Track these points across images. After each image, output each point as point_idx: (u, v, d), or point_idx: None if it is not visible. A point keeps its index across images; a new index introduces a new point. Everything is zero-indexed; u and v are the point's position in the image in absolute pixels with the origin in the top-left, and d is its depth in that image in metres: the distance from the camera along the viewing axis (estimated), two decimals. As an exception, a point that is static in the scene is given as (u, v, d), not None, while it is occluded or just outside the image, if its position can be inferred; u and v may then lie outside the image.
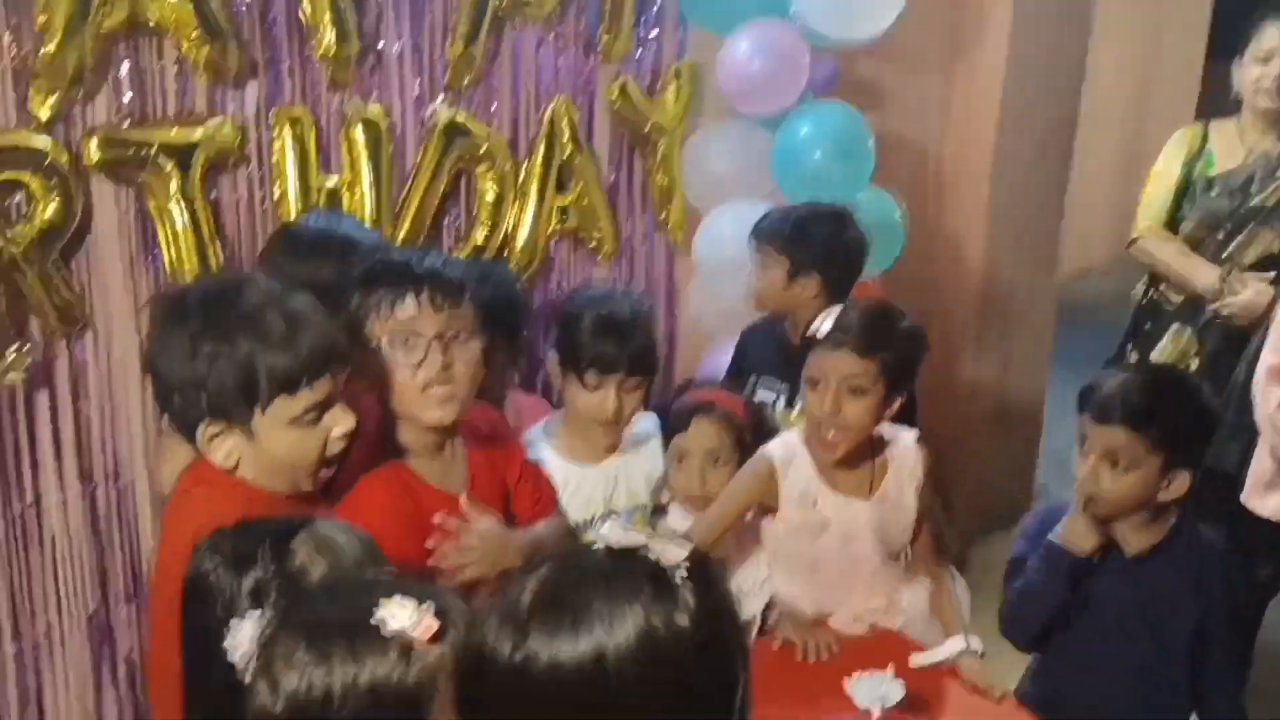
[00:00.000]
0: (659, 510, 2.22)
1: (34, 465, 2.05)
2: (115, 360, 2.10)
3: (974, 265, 3.62)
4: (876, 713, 1.75)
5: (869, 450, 2.01)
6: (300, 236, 2.03)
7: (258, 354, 1.45)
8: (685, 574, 0.89)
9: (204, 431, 1.48)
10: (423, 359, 1.67)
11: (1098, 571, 1.91)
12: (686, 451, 2.14)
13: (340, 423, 1.52)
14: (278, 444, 1.49)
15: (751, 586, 2.13)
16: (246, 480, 1.51)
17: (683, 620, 0.87)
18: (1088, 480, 1.85)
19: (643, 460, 2.18)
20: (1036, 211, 3.71)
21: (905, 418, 2.12)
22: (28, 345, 1.97)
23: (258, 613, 1.17)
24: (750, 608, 2.13)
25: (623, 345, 2.04)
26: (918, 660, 1.95)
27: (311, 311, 1.51)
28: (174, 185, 2.07)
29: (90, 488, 2.12)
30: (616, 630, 0.85)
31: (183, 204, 2.09)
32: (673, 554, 0.92)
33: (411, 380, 1.68)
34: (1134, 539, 1.90)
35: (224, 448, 1.49)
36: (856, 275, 2.45)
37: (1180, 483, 1.85)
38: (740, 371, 2.59)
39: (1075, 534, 1.88)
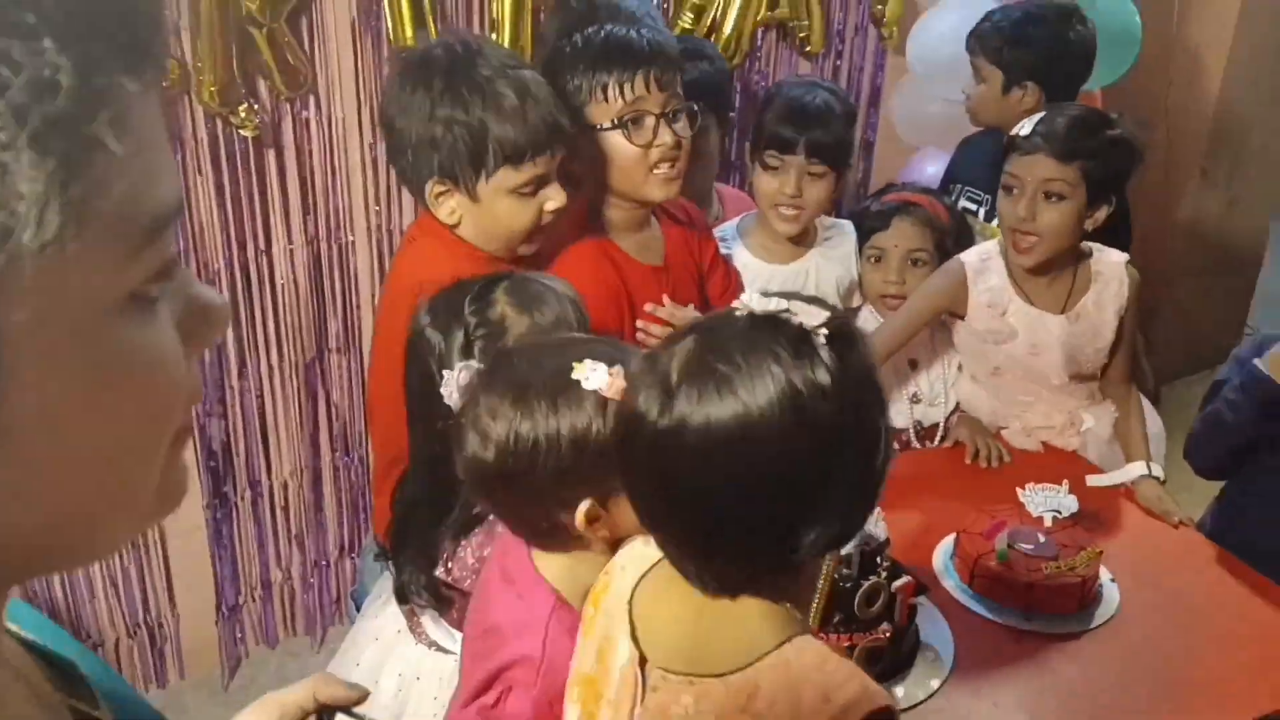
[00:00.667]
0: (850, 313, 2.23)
1: (265, 215, 2.20)
2: (338, 121, 2.20)
3: (1210, 89, 3.36)
4: (1048, 522, 1.77)
5: (1071, 264, 1.96)
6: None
7: (490, 123, 1.53)
8: (826, 336, 0.90)
9: (431, 189, 1.58)
10: (652, 139, 1.71)
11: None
12: (884, 250, 2.12)
13: (554, 198, 1.60)
14: (497, 209, 1.58)
15: (940, 389, 2.15)
16: (465, 238, 1.61)
17: (824, 378, 0.88)
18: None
19: (833, 263, 2.17)
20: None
21: (1117, 240, 2.04)
22: (257, 104, 2.08)
23: (466, 363, 1.28)
24: (936, 412, 2.16)
25: (804, 127, 2.02)
26: (1094, 481, 1.95)
27: (539, 86, 1.56)
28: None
29: (314, 240, 2.26)
30: (759, 391, 0.87)
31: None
32: (814, 316, 0.92)
33: (642, 159, 1.71)
34: None
35: (448, 205, 1.59)
36: (1080, 83, 2.31)
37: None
38: (951, 181, 2.52)
39: None
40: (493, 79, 1.54)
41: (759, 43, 2.66)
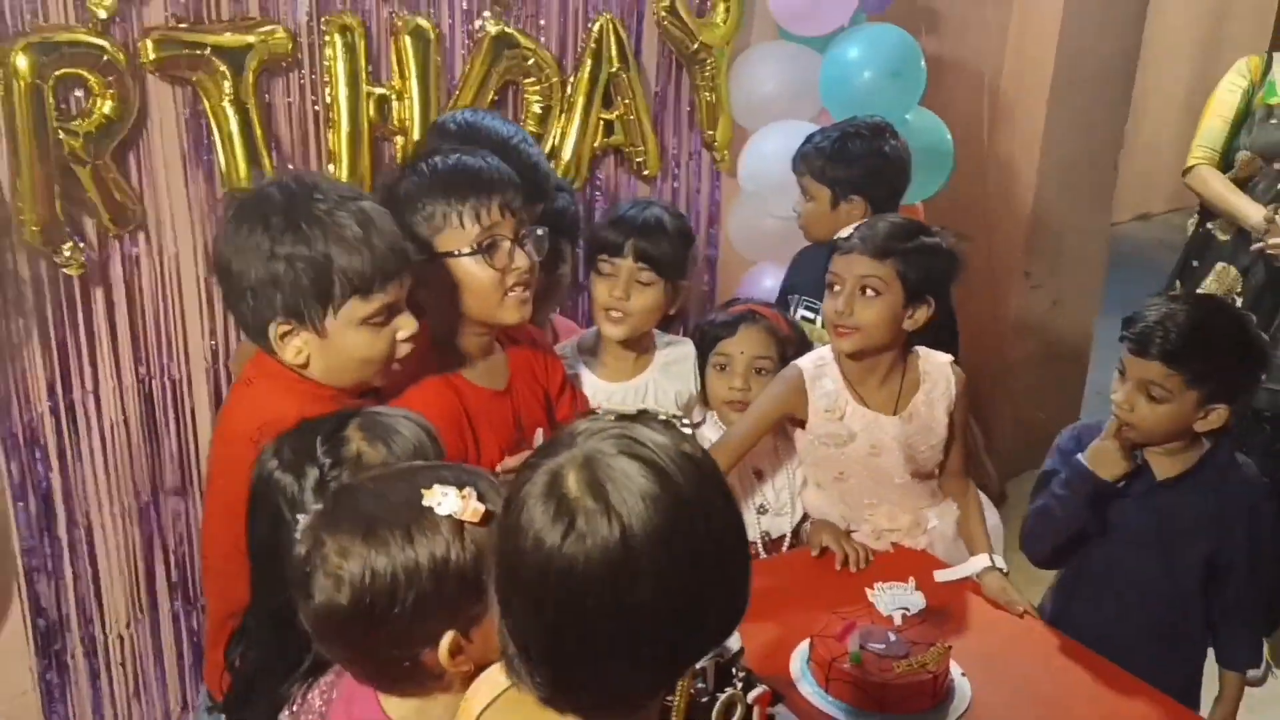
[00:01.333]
0: (692, 429, 2.26)
1: (91, 356, 2.12)
2: (169, 258, 2.15)
3: (1025, 197, 3.58)
4: (898, 620, 1.79)
5: (899, 366, 2.04)
6: (447, 129, 2.10)
7: (335, 255, 1.50)
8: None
9: (275, 330, 1.53)
10: (509, 263, 1.73)
11: (1121, 494, 1.91)
12: (730, 356, 2.17)
13: (405, 325, 1.58)
14: (347, 343, 1.55)
15: (786, 498, 2.18)
16: (311, 376, 1.57)
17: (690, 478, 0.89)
18: (1122, 408, 1.85)
19: (673, 379, 2.22)
20: (1094, 145, 3.66)
21: (941, 344, 2.14)
22: (83, 242, 2.03)
23: (319, 506, 1.22)
24: (783, 522, 2.18)
25: (632, 232, 2.10)
26: (941, 576, 1.99)
27: (380, 215, 1.55)
28: (227, 87, 2.11)
29: (146, 379, 2.19)
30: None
31: (236, 106, 2.13)
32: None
33: (498, 283, 1.73)
34: (1163, 465, 1.90)
35: (294, 345, 1.54)
36: (901, 192, 2.45)
37: (1218, 415, 1.83)
38: (788, 292, 2.60)
39: (1104, 459, 1.88)
40: (332, 211, 1.52)
41: (598, 168, 2.73)
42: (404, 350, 1.60)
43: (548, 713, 0.95)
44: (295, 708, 1.38)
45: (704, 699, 1.50)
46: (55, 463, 2.15)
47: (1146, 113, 6.46)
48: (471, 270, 1.72)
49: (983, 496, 2.18)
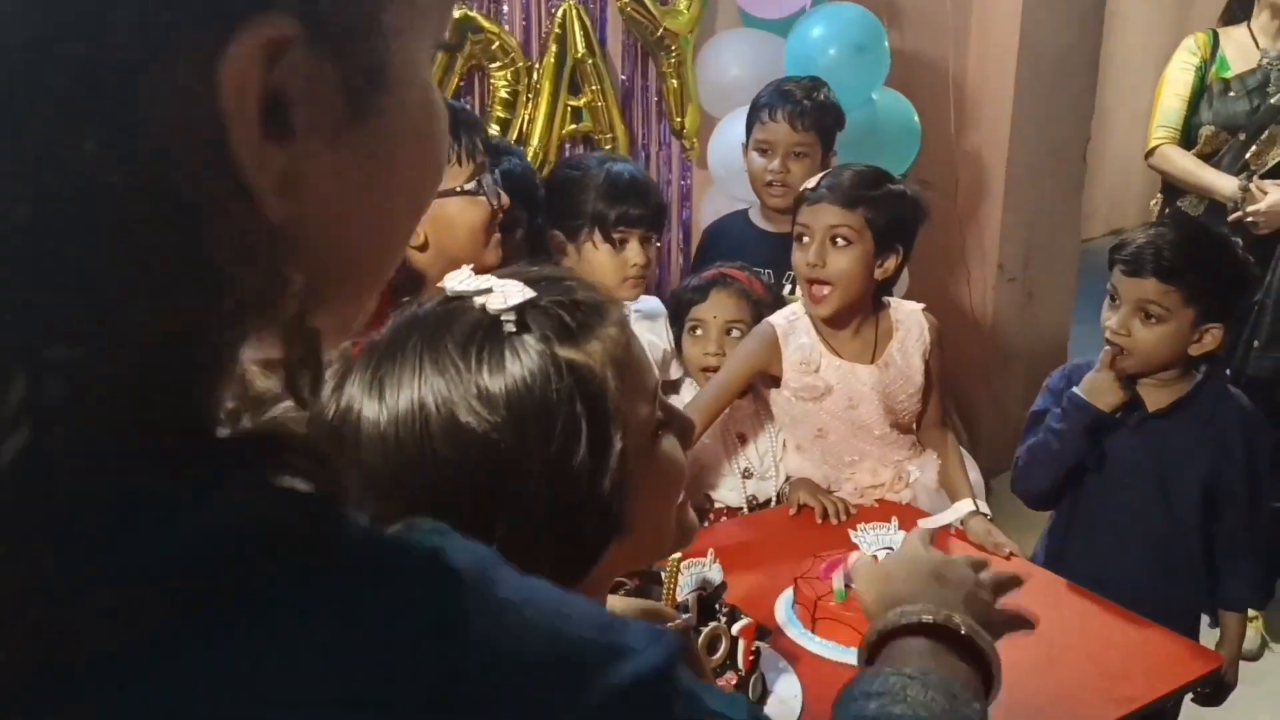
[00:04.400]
0: (672, 386, 2.23)
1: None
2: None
3: (995, 190, 3.59)
4: (882, 559, 1.74)
5: (871, 316, 2.02)
6: None
7: None
8: (515, 324, 0.77)
9: None
10: (497, 202, 1.74)
11: (1115, 429, 1.89)
12: (704, 321, 2.15)
13: None
14: None
15: (770, 462, 2.15)
16: None
17: (488, 382, 0.75)
18: (1119, 334, 1.84)
19: (644, 333, 2.17)
20: (1061, 137, 3.67)
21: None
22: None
23: None
24: (768, 486, 2.15)
25: (646, 199, 2.11)
26: (925, 524, 1.94)
27: None
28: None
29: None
30: (402, 396, 0.76)
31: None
32: (514, 295, 0.78)
33: (485, 222, 1.73)
34: (1156, 396, 1.88)
35: None
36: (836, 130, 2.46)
37: (1213, 336, 1.82)
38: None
39: (1099, 389, 1.86)
40: None
41: (567, 154, 2.72)
42: None
43: None
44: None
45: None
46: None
47: (1114, 127, 6.54)
48: (464, 209, 1.71)
49: (963, 451, 2.15)
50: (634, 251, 2.06)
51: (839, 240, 1.94)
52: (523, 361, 0.77)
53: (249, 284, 0.36)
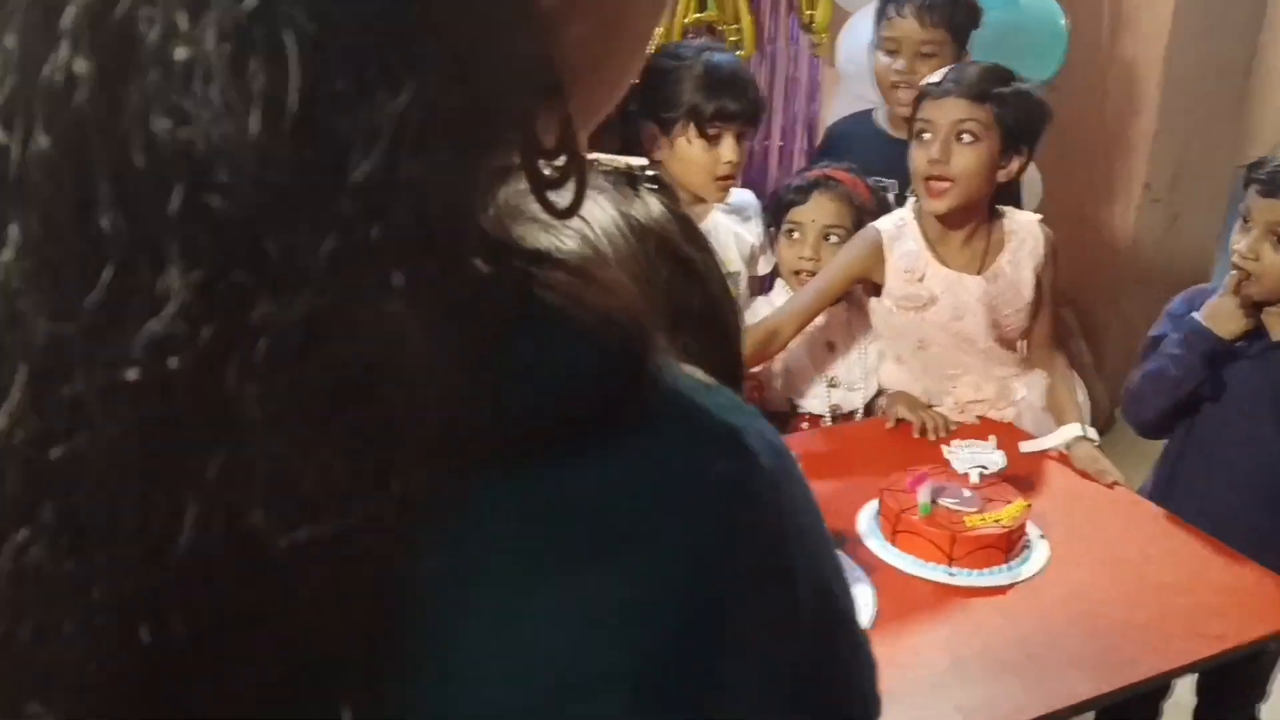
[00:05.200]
0: (764, 286, 2.19)
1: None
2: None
3: (1148, 105, 3.38)
4: (974, 479, 1.70)
5: (984, 225, 1.93)
6: None
7: None
8: (652, 181, 0.83)
9: None
10: None
11: (1235, 358, 1.79)
12: (801, 224, 2.08)
13: None
14: None
15: (859, 373, 2.10)
16: None
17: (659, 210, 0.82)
18: (1247, 258, 1.73)
19: (734, 226, 2.12)
20: (1224, 52, 3.42)
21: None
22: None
23: None
24: (855, 397, 2.11)
25: (741, 93, 1.99)
26: (1027, 446, 1.89)
27: None
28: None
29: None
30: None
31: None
32: (634, 161, 0.85)
33: None
34: None
35: None
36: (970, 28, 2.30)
37: None
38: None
39: (1222, 315, 1.77)
40: None
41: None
42: None
43: None
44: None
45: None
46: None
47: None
48: None
49: (1073, 374, 2.06)
50: (728, 148, 1.96)
51: (965, 136, 1.84)
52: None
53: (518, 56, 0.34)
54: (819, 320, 2.08)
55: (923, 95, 1.89)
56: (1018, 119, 1.84)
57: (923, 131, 1.87)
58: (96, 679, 0.30)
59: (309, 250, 0.29)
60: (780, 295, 2.12)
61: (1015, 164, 1.86)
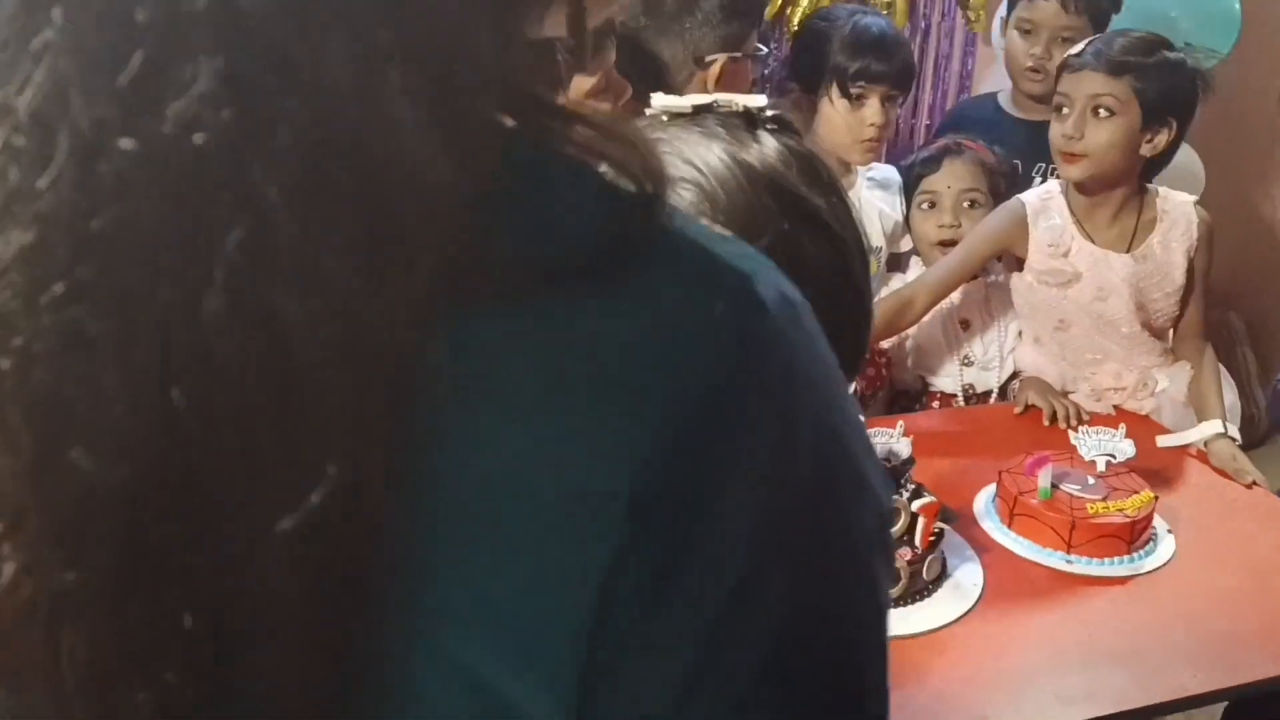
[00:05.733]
0: (898, 264, 2.14)
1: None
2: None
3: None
4: (1101, 467, 1.63)
5: (1135, 202, 1.85)
6: None
7: None
8: (773, 120, 0.81)
9: None
10: None
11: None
12: (938, 193, 2.03)
13: None
14: None
15: (995, 353, 2.04)
16: None
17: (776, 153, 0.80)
18: None
19: (878, 202, 2.07)
20: None
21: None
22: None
23: None
24: (990, 377, 2.05)
25: (887, 56, 1.96)
26: (1165, 441, 1.80)
27: None
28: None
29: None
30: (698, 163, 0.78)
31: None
32: (755, 101, 0.83)
33: None
34: None
35: None
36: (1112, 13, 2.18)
37: None
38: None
39: None
40: None
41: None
42: None
43: None
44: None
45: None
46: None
47: None
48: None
49: (1222, 370, 1.96)
50: (872, 110, 1.93)
51: (1101, 111, 1.76)
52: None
53: None
54: (955, 297, 2.02)
55: (1063, 67, 1.82)
56: (1162, 91, 1.75)
57: (1061, 105, 1.81)
58: (132, 434, 0.32)
59: (325, 48, 0.32)
60: (915, 267, 2.08)
61: (1162, 138, 1.78)
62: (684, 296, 0.37)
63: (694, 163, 0.78)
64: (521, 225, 0.36)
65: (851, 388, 1.90)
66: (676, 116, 0.85)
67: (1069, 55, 1.83)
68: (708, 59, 1.58)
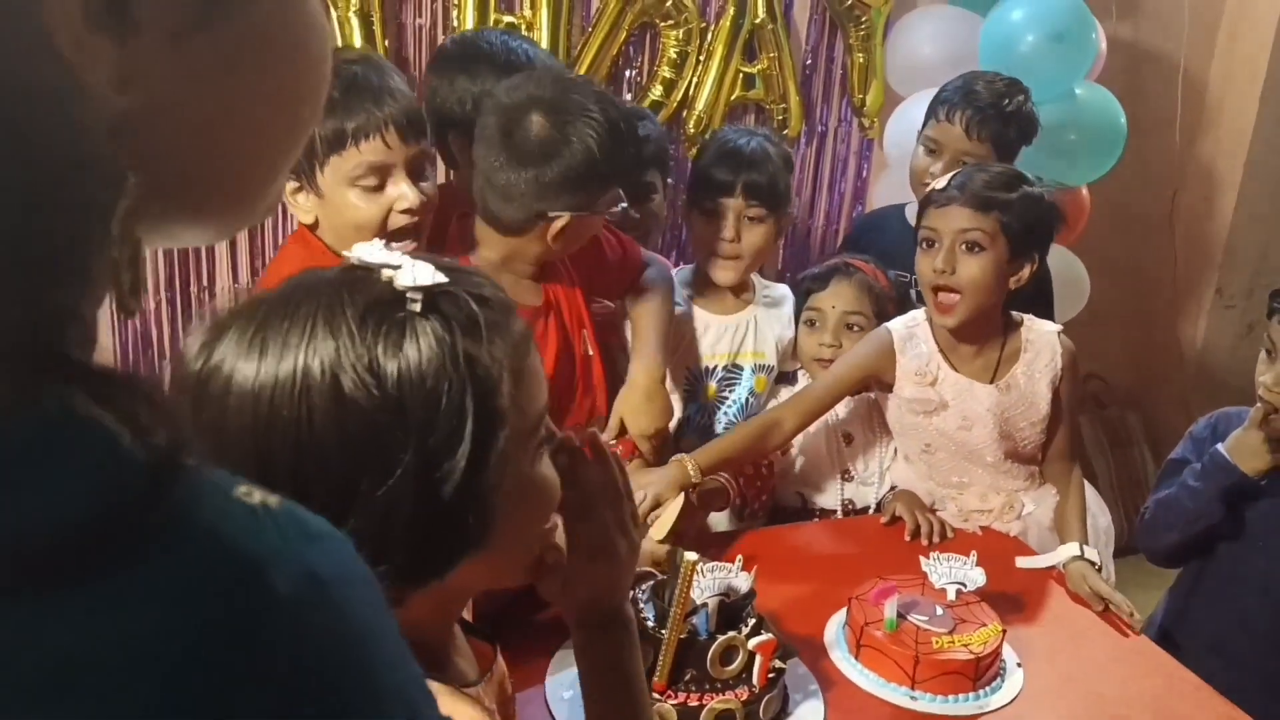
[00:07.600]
0: (786, 378, 2.13)
1: (209, 252, 2.20)
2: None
3: (1224, 205, 3.25)
4: (951, 595, 1.62)
5: (999, 333, 1.86)
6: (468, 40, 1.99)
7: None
8: (423, 306, 0.74)
9: (289, 187, 1.54)
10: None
11: (1256, 493, 1.69)
12: (821, 311, 2.04)
13: (403, 197, 1.53)
14: (339, 204, 1.52)
15: (875, 469, 2.04)
16: (324, 239, 1.56)
17: (384, 362, 0.72)
18: (1272, 391, 1.64)
19: (773, 321, 2.09)
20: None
21: (1042, 311, 1.96)
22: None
23: None
24: (868, 493, 2.04)
25: (740, 169, 1.95)
26: (1024, 563, 1.81)
27: (377, 76, 1.52)
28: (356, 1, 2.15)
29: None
30: (287, 358, 0.72)
31: (362, 19, 2.16)
32: (422, 275, 0.74)
33: None
34: None
35: (303, 203, 1.55)
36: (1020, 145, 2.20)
37: None
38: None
39: (1247, 450, 1.69)
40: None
41: (738, 123, 2.63)
42: (399, 221, 1.53)
43: None
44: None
45: (701, 638, 1.40)
46: (168, 354, 2.24)
47: None
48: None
49: (1095, 494, 1.96)
50: (727, 225, 1.93)
51: (971, 246, 1.78)
52: (420, 345, 0.74)
53: (85, 179, 0.36)
54: (839, 412, 2.03)
55: (927, 202, 1.83)
56: (1025, 225, 1.77)
57: (928, 240, 1.82)
58: None
59: None
60: (801, 382, 2.08)
61: (1026, 271, 1.79)
62: (167, 605, 0.35)
63: (389, 363, 0.73)
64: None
65: (734, 500, 1.90)
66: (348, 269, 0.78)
67: (932, 190, 1.83)
68: (551, 214, 1.58)
